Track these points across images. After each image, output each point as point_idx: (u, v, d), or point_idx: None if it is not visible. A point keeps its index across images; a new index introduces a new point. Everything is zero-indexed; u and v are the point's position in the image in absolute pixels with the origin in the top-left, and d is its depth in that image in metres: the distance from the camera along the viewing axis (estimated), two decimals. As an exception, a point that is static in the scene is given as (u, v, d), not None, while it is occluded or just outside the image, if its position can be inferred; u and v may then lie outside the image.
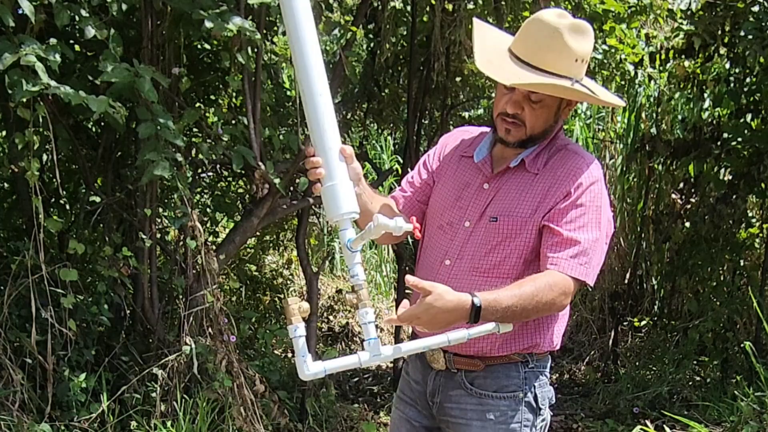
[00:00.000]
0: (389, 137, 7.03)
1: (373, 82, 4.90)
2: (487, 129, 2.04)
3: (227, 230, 4.25)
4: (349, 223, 1.76)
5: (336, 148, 1.76)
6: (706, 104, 5.52)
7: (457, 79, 4.99)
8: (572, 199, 1.84)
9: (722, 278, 5.16)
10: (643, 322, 5.56)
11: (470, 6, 4.15)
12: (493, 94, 2.38)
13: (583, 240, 1.82)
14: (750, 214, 5.11)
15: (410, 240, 4.90)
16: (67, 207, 3.79)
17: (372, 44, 4.77)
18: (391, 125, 5.42)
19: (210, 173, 4.51)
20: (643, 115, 5.95)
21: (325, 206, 1.78)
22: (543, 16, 1.83)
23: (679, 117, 5.66)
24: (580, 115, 6.52)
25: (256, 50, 3.40)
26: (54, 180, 3.54)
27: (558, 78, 1.80)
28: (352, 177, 1.79)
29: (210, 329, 3.49)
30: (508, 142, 1.90)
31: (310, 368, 1.70)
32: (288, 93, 4.53)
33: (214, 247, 3.60)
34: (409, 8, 4.55)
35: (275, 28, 3.91)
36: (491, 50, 1.87)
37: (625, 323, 5.55)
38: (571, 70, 1.81)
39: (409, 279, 1.72)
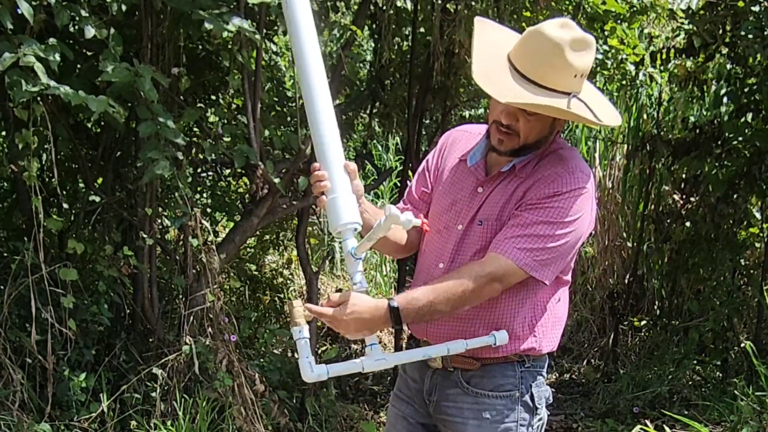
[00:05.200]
0: (394, 138, 7.03)
1: (378, 82, 4.90)
2: (485, 127, 2.02)
3: (227, 230, 4.25)
4: (351, 233, 1.81)
5: (339, 163, 1.83)
6: (707, 104, 5.53)
7: (459, 79, 4.99)
8: (542, 198, 1.82)
9: (722, 278, 5.15)
10: (643, 322, 5.56)
11: (473, 3, 4.14)
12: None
13: (535, 230, 1.80)
14: (754, 212, 5.11)
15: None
16: (67, 207, 3.79)
17: (378, 44, 4.77)
18: (395, 126, 5.41)
19: (210, 173, 4.51)
20: (645, 115, 5.95)
21: (328, 217, 1.84)
22: (545, 29, 1.77)
23: (680, 117, 5.65)
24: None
25: (256, 50, 3.40)
26: (53, 180, 3.55)
27: (555, 94, 1.76)
28: (354, 193, 1.85)
29: (210, 329, 3.49)
30: (501, 151, 1.88)
31: (315, 370, 1.74)
32: (288, 92, 4.53)
33: (214, 247, 3.60)
34: (411, 7, 4.54)
35: (275, 28, 3.91)
36: (490, 59, 1.83)
37: (625, 323, 5.54)
38: (569, 85, 1.78)
39: (311, 307, 1.76)
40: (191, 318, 3.46)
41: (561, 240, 1.82)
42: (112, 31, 2.87)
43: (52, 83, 2.67)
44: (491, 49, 1.86)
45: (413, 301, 1.79)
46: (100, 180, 3.70)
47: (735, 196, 4.70)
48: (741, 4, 4.30)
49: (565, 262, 1.89)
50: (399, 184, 6.58)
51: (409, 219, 1.72)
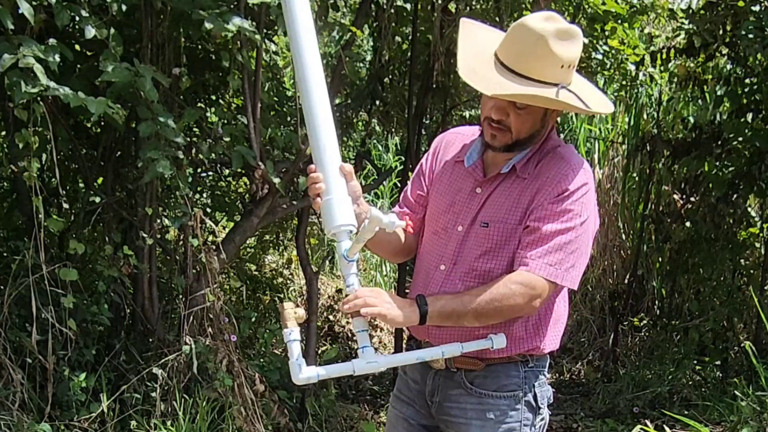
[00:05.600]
0: (393, 138, 7.03)
1: (378, 82, 4.90)
2: (479, 128, 2.01)
3: (227, 230, 4.25)
4: (345, 235, 1.81)
5: (334, 165, 1.83)
6: (707, 104, 5.53)
7: (459, 79, 4.99)
8: (553, 203, 1.82)
9: (722, 278, 5.15)
10: (643, 322, 5.56)
11: (473, 3, 4.14)
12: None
13: (556, 241, 1.80)
14: (751, 213, 5.11)
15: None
16: (67, 207, 3.80)
17: (378, 44, 4.77)
18: (394, 125, 5.41)
19: (210, 173, 4.51)
20: (645, 115, 5.95)
21: (322, 219, 1.84)
22: (528, 21, 1.78)
23: (680, 117, 5.66)
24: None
25: (256, 50, 3.40)
26: (53, 180, 3.55)
27: (543, 86, 1.76)
28: (351, 195, 1.84)
29: (210, 329, 3.49)
30: (495, 147, 1.88)
31: (304, 372, 1.76)
32: (288, 92, 4.53)
33: (214, 247, 3.61)
34: (411, 7, 4.54)
35: (275, 28, 3.91)
36: (476, 56, 1.84)
37: (625, 323, 5.55)
38: (557, 76, 1.77)
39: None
40: (191, 318, 3.47)
41: (580, 242, 1.84)
42: (112, 31, 2.87)
43: (52, 84, 2.67)
44: (477, 48, 1.87)
45: (439, 297, 1.81)
46: (100, 180, 3.71)
47: (735, 196, 4.70)
48: (741, 4, 4.30)
49: (587, 259, 1.89)
50: (399, 184, 6.58)
51: (392, 221, 1.73)
